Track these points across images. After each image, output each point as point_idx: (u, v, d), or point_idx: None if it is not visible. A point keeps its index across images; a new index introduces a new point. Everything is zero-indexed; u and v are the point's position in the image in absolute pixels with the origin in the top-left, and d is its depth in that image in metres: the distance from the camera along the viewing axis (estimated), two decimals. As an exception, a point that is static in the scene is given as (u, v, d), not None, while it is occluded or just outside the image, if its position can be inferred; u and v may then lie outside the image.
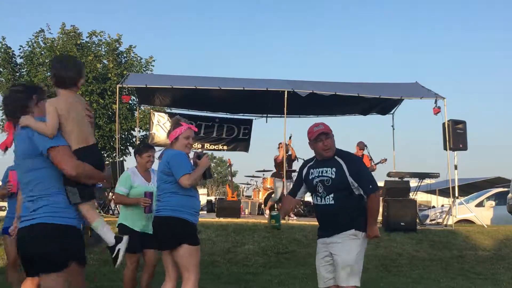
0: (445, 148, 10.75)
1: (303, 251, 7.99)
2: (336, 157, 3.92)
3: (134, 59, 20.56)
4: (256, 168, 16.22)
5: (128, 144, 20.11)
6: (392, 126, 13.22)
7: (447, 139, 10.65)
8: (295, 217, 11.15)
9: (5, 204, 7.24)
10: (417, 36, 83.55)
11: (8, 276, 5.32)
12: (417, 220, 10.02)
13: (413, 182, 11.46)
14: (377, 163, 11.75)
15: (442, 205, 18.86)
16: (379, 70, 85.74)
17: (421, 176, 10.91)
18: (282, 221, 9.65)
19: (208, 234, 8.54)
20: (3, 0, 46.73)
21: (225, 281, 6.68)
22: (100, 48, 20.13)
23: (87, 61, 19.00)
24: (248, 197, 15.14)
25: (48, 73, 19.18)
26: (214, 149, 14.47)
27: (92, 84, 18.81)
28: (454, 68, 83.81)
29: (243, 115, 14.47)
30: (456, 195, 10.99)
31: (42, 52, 19.32)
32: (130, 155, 19.54)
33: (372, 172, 11.47)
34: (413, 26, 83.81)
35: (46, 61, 19.10)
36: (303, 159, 10.13)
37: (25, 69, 19.65)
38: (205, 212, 14.90)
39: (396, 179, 10.43)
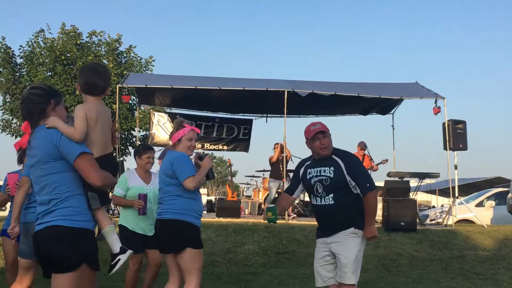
0: (445, 148, 10.76)
1: (303, 251, 7.99)
2: (333, 156, 3.93)
3: (134, 59, 20.55)
4: (256, 168, 16.24)
5: (128, 144, 20.11)
6: (392, 126, 13.23)
7: (447, 139, 10.65)
8: (293, 214, 11.16)
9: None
10: (417, 36, 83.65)
11: (7, 279, 5.31)
12: (417, 220, 10.01)
13: (413, 182, 11.48)
14: (378, 164, 11.76)
15: (442, 205, 18.85)
16: (379, 70, 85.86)
17: (421, 176, 10.92)
18: (282, 221, 9.66)
19: (208, 234, 8.53)
20: (3, 0, 46.74)
21: (225, 281, 6.68)
22: (100, 48, 20.12)
23: (87, 61, 18.98)
24: (248, 197, 15.15)
25: (48, 73, 19.21)
26: (214, 149, 14.47)
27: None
28: (454, 68, 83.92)
29: (243, 115, 14.46)
30: (456, 195, 10.99)
31: (42, 52, 19.30)
32: (130, 155, 19.54)
33: (373, 172, 11.60)
34: (413, 26, 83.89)
35: (46, 61, 19.11)
36: (300, 158, 10.14)
37: (25, 69, 19.63)
38: (205, 212, 14.89)
39: (396, 179, 10.44)
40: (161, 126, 13.26)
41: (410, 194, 10.61)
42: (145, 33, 78.49)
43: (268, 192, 12.96)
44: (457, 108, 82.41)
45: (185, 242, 3.83)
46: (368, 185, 3.86)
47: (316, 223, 4.18)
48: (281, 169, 11.14)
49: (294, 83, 11.61)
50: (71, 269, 2.65)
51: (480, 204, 14.21)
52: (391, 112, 13.30)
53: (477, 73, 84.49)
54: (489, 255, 8.30)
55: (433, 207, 20.32)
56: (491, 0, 76.99)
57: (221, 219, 10.26)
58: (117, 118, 12.47)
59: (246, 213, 12.98)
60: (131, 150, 19.51)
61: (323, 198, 3.90)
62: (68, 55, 19.23)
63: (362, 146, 11.43)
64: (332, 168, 3.87)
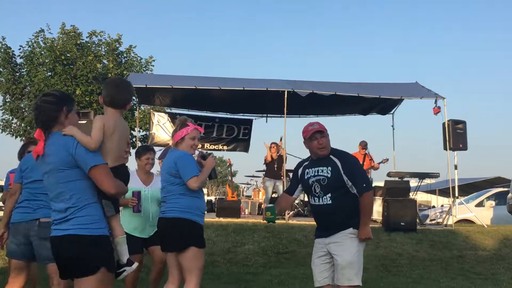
0: (445, 148, 10.75)
1: (303, 251, 7.99)
2: (331, 156, 3.93)
3: (134, 59, 20.57)
4: (256, 168, 16.19)
5: (128, 144, 20.11)
6: (392, 126, 13.21)
7: (447, 139, 10.64)
8: (291, 212, 11.18)
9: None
10: (417, 36, 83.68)
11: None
12: (417, 220, 10.01)
13: (413, 182, 11.47)
14: (380, 163, 11.78)
15: (442, 205, 18.86)
16: (379, 70, 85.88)
17: (421, 176, 10.91)
18: (282, 221, 9.66)
19: (208, 234, 8.53)
20: (3, 0, 46.74)
21: (225, 281, 6.68)
22: (100, 48, 20.14)
23: (87, 61, 19.01)
24: (248, 197, 15.16)
25: (48, 73, 19.22)
26: (214, 149, 14.44)
27: (92, 84, 18.82)
28: (454, 68, 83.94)
29: (243, 115, 14.46)
30: (456, 195, 10.98)
31: (42, 52, 19.32)
32: (130, 155, 19.51)
33: (373, 172, 11.60)
34: (413, 26, 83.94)
35: (46, 61, 19.12)
36: (296, 157, 10.19)
37: (25, 69, 19.65)
38: (205, 212, 14.88)
39: (396, 179, 10.43)
40: (161, 126, 13.25)
41: (410, 194, 10.61)
42: (145, 33, 78.53)
43: (268, 192, 12.99)
44: (457, 108, 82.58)
45: (188, 241, 3.82)
46: (364, 185, 3.86)
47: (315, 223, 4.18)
48: (276, 168, 11.18)
49: (294, 83, 11.61)
50: (91, 273, 2.73)
51: (480, 204, 14.20)
52: (391, 112, 13.29)
53: (477, 73, 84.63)
54: (489, 255, 8.30)
55: (433, 207, 20.32)
56: (491, 0, 77.12)
57: (221, 219, 10.26)
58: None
59: (246, 213, 12.98)
60: (131, 150, 19.50)
61: (321, 198, 3.90)
62: (68, 55, 19.25)
63: (364, 145, 11.43)
64: (329, 168, 3.87)
